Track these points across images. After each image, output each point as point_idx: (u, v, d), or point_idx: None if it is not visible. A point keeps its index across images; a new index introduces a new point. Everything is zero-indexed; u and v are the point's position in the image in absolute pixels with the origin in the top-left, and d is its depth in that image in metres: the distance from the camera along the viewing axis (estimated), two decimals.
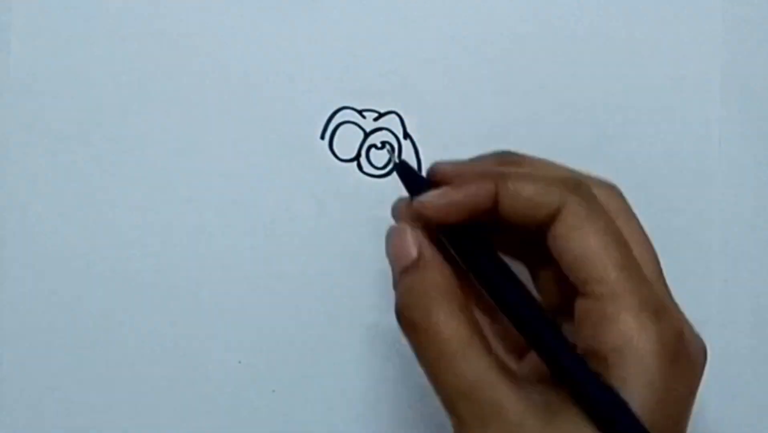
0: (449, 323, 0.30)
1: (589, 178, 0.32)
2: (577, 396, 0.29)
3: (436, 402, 0.39)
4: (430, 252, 0.31)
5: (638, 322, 0.29)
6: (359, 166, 0.39)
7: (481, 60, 0.39)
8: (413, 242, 0.31)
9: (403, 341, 0.38)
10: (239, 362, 0.39)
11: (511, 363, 0.32)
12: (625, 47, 0.39)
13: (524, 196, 0.30)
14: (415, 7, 0.39)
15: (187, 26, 0.39)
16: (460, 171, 0.32)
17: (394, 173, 0.38)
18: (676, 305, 0.31)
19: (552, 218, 0.30)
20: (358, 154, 0.39)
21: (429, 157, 0.39)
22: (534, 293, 0.32)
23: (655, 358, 0.28)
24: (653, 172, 0.39)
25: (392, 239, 0.32)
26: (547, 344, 0.30)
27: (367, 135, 0.39)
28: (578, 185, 0.31)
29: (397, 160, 0.33)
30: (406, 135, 0.39)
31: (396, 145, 0.39)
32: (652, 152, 0.39)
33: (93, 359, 0.39)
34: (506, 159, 0.33)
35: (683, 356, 0.29)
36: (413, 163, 0.39)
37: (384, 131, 0.39)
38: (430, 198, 0.31)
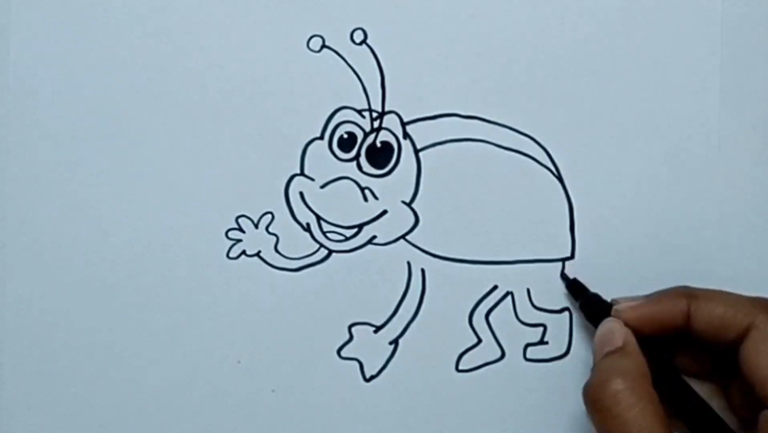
0: (637, 407, 0.31)
1: None
2: None
3: (434, 403, 0.39)
4: (634, 345, 0.34)
5: None
6: (359, 166, 0.39)
7: (481, 60, 0.39)
8: (621, 333, 0.34)
9: (404, 343, 0.39)
10: (239, 362, 0.39)
11: None
12: (625, 47, 0.39)
13: (716, 314, 0.33)
14: (415, 7, 0.39)
15: (186, 26, 0.39)
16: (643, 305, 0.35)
17: (393, 172, 0.39)
18: None
19: (742, 336, 0.32)
20: (358, 154, 0.39)
21: (428, 156, 0.39)
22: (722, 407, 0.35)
23: None
24: (653, 172, 0.39)
25: (602, 328, 0.35)
26: None
27: (366, 135, 0.39)
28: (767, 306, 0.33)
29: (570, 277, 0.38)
30: (406, 135, 0.39)
31: (396, 146, 0.39)
32: (652, 152, 0.39)
33: (93, 359, 0.39)
34: (688, 289, 0.35)
35: None
36: (413, 163, 0.39)
37: (384, 131, 0.39)
38: (625, 307, 0.35)
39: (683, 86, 0.39)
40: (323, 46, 0.39)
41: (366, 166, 0.39)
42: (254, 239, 0.39)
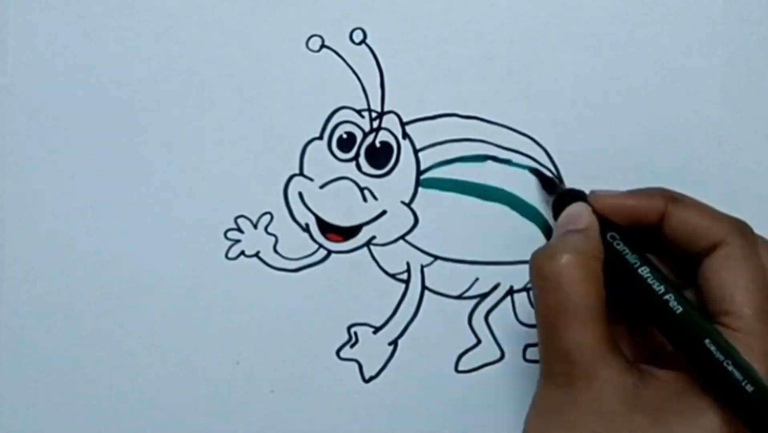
0: (581, 284, 0.31)
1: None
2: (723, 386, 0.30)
3: (434, 404, 0.39)
4: (596, 231, 0.33)
5: (764, 368, 0.30)
6: (358, 166, 0.39)
7: (480, 61, 0.39)
8: (586, 218, 0.33)
9: (403, 343, 0.39)
10: (237, 363, 0.39)
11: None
12: (625, 47, 0.39)
13: (691, 222, 0.33)
14: (415, 7, 0.39)
15: (185, 26, 0.39)
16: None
17: (393, 172, 0.39)
18: None
19: (710, 249, 0.32)
20: (357, 154, 0.39)
21: (428, 157, 0.39)
22: None
23: None
24: (653, 171, 0.38)
25: (568, 209, 0.34)
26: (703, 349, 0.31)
27: (366, 135, 0.39)
28: (744, 228, 0.33)
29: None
30: (405, 135, 0.39)
31: (395, 146, 0.39)
32: (653, 152, 0.39)
33: (91, 359, 0.39)
34: (670, 191, 0.34)
35: None
36: (412, 164, 0.38)
37: (383, 131, 0.39)
38: (606, 193, 0.34)
39: (684, 85, 0.39)
40: (322, 45, 0.38)
41: (365, 167, 0.39)
42: (253, 240, 0.39)
